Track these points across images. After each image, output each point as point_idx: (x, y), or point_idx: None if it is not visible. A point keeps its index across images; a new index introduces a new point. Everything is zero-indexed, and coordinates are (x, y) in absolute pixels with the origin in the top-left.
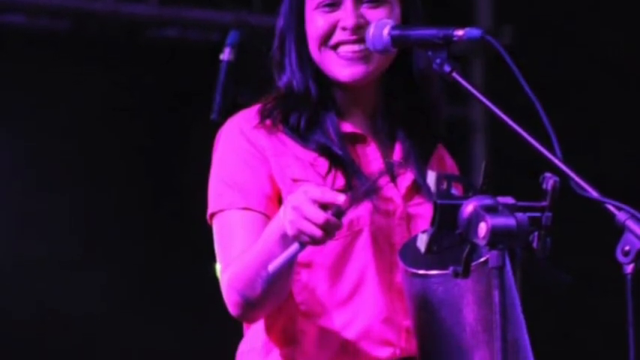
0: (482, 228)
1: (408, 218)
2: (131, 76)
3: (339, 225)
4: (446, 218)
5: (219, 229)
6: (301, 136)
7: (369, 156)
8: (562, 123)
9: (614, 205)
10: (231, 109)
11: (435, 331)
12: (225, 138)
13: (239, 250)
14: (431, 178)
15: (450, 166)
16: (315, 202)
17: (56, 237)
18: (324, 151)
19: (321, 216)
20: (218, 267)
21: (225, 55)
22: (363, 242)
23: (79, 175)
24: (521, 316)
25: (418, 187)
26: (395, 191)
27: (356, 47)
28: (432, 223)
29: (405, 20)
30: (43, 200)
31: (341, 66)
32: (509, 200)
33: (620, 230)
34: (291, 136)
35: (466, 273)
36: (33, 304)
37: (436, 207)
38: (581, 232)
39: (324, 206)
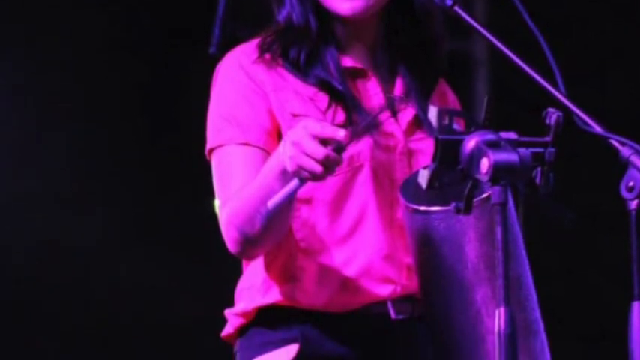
0: (485, 164)
1: (409, 154)
2: (129, 10)
3: (339, 161)
4: (447, 154)
5: (217, 164)
6: (301, 70)
7: (369, 91)
8: (566, 58)
9: (617, 141)
10: (230, 43)
11: (436, 268)
12: (223, 72)
13: (238, 186)
14: (432, 113)
15: (452, 101)
16: (314, 137)
17: (53, 173)
18: (324, 85)
19: (321, 151)
20: (217, 203)
21: None
22: (364, 178)
23: (76, 111)
24: (523, 253)
25: (419, 123)
26: (396, 126)
27: None
28: (434, 159)
29: None
30: (41, 136)
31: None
32: (511, 135)
33: (624, 166)
34: (290, 70)
35: (468, 209)
36: (29, 240)
37: (437, 142)
38: (585, 168)
39: (324, 142)
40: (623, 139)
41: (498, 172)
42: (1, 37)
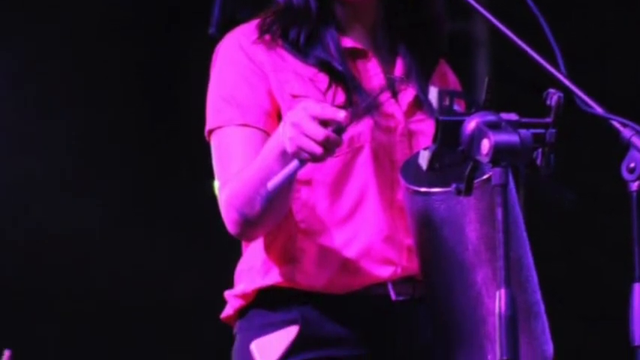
0: (485, 144)
1: (410, 135)
2: None
3: (340, 142)
4: (448, 135)
5: (217, 145)
6: (301, 51)
7: (370, 71)
8: (566, 38)
9: (619, 122)
10: (229, 23)
11: (436, 250)
12: (223, 53)
13: (238, 167)
14: (433, 93)
15: (453, 81)
16: (314, 118)
17: (53, 157)
18: (324, 66)
19: (320, 132)
20: (216, 184)
21: None
22: (364, 159)
23: (75, 94)
24: (524, 234)
25: (420, 103)
26: (396, 107)
27: None
28: (434, 140)
29: None
30: (40, 120)
31: None
32: (512, 116)
33: (625, 147)
34: (290, 51)
35: (468, 190)
36: (28, 224)
37: (438, 123)
38: (586, 148)
39: (324, 122)
40: (624, 120)
41: (499, 153)
42: (0, 21)
